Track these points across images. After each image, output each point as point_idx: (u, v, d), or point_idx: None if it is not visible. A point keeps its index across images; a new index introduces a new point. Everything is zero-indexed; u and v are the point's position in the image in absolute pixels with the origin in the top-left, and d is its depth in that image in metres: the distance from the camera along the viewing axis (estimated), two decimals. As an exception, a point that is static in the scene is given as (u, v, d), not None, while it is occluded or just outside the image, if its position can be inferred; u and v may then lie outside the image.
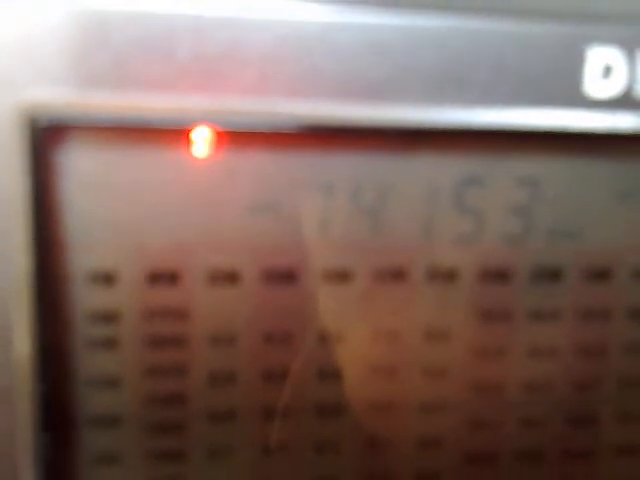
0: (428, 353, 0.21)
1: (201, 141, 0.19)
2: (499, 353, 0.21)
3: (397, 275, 0.20)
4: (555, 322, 0.21)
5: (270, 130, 0.19)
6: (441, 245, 0.20)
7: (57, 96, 0.18)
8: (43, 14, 0.18)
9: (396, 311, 0.20)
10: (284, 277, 0.20)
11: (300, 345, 0.20)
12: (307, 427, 0.21)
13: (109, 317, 0.19)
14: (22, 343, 0.18)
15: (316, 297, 0.20)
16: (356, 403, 0.21)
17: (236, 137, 0.19)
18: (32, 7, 0.18)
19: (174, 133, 0.19)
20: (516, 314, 0.21)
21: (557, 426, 0.22)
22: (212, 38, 0.18)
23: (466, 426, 0.21)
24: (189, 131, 0.19)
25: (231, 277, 0.20)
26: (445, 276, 0.20)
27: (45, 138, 0.18)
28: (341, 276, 0.20)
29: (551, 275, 0.21)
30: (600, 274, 0.21)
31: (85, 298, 0.19)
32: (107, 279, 0.19)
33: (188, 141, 0.19)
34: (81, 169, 0.19)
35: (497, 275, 0.21)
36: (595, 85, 0.19)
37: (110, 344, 0.19)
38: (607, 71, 0.19)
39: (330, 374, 0.20)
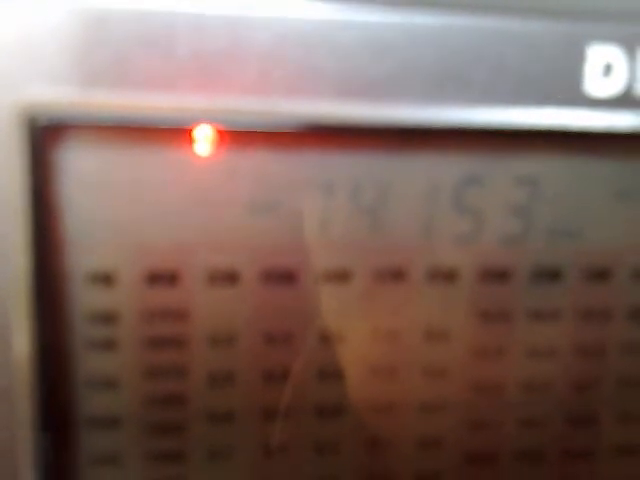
0: (428, 353, 0.21)
1: (201, 140, 0.19)
2: (499, 353, 0.21)
3: (397, 275, 0.20)
4: (555, 322, 0.21)
5: (270, 129, 0.19)
6: (441, 245, 0.20)
7: (57, 95, 0.18)
8: (43, 13, 0.17)
9: (396, 311, 0.20)
10: (284, 277, 0.20)
11: (300, 345, 0.20)
12: (307, 427, 0.21)
13: (108, 317, 0.19)
14: (21, 343, 0.18)
15: (316, 297, 0.20)
16: (356, 403, 0.21)
17: (236, 136, 0.19)
18: (32, 6, 0.17)
19: (174, 132, 0.19)
20: (516, 314, 0.21)
21: (557, 426, 0.22)
22: (213, 36, 0.18)
23: (466, 426, 0.21)
24: (189, 130, 0.19)
25: (231, 277, 0.20)
26: (445, 276, 0.20)
27: (45, 137, 0.18)
28: (341, 276, 0.20)
29: (551, 275, 0.21)
30: (600, 274, 0.21)
31: (84, 298, 0.19)
32: (106, 279, 0.19)
33: (188, 140, 0.19)
34: (81, 168, 0.19)
35: (497, 275, 0.21)
36: (595, 84, 0.19)
37: (109, 344, 0.19)
38: (607, 69, 0.19)
39: (330, 374, 0.20)
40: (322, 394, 0.20)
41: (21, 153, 0.18)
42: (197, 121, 0.18)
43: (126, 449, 0.20)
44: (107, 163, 0.19)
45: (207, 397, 0.20)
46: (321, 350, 0.20)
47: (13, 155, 0.18)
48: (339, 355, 0.20)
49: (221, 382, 0.20)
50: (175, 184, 0.19)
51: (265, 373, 0.20)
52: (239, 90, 0.18)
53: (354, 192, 0.20)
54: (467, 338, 0.21)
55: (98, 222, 0.19)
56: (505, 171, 0.20)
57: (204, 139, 0.19)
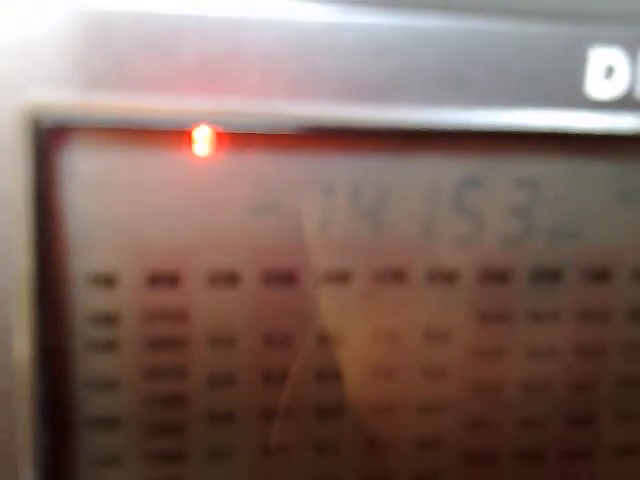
0: (428, 354, 0.21)
1: (202, 142, 0.19)
2: (499, 353, 0.21)
3: (397, 276, 0.20)
4: (555, 322, 0.21)
5: (270, 131, 0.19)
6: (441, 246, 0.20)
7: (60, 98, 0.18)
8: (45, 16, 0.17)
9: (396, 312, 0.20)
10: (284, 278, 0.20)
11: (300, 346, 0.20)
12: (307, 428, 0.21)
13: (109, 319, 0.19)
14: (22, 345, 0.18)
15: (316, 298, 0.20)
16: (356, 404, 0.21)
17: (237, 138, 0.19)
18: (34, 9, 0.17)
19: (176, 134, 0.19)
20: (516, 315, 0.21)
21: (556, 426, 0.22)
22: (214, 39, 0.18)
23: (466, 426, 0.21)
24: (191, 132, 0.19)
25: (231, 278, 0.20)
26: (445, 277, 0.20)
27: (48, 139, 0.18)
28: (341, 277, 0.20)
29: (551, 276, 0.21)
30: (600, 275, 0.21)
31: (85, 299, 0.19)
32: (108, 281, 0.19)
33: (190, 142, 0.19)
34: (83, 170, 0.19)
35: (497, 276, 0.21)
36: (597, 86, 0.19)
37: (110, 345, 0.19)
38: (609, 72, 0.19)
39: (330, 375, 0.21)
40: (322, 394, 0.21)
41: (24, 155, 0.18)
42: (199, 123, 0.18)
43: (126, 449, 0.20)
44: (110, 165, 0.19)
45: (207, 397, 0.20)
46: (321, 350, 0.20)
47: (16, 157, 0.18)
48: (339, 356, 0.20)
49: (221, 382, 0.20)
50: (177, 186, 0.19)
51: (265, 373, 0.20)
52: (240, 92, 0.18)
53: (354, 193, 0.20)
54: (467, 339, 0.21)
55: (100, 223, 0.19)
56: (505, 173, 0.20)
57: (205, 141, 0.19)
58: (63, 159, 0.18)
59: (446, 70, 0.19)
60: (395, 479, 0.21)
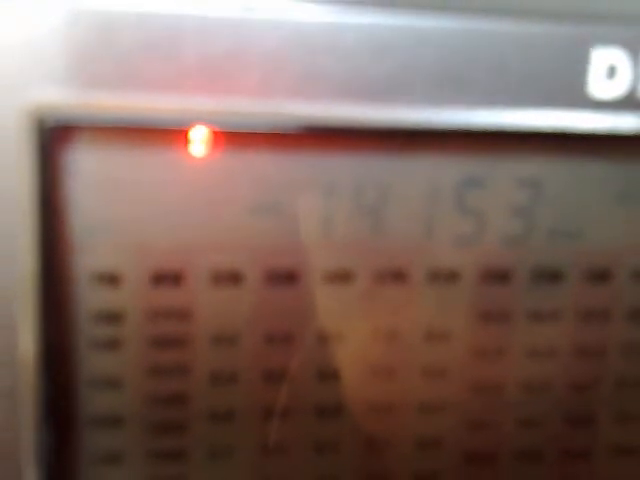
0: (428, 354, 0.21)
1: (205, 142, 0.19)
2: (499, 354, 0.21)
3: (398, 276, 0.20)
4: (555, 323, 0.21)
5: (272, 131, 0.19)
6: (442, 246, 0.20)
7: (64, 97, 0.18)
8: (46, 16, 0.18)
9: (396, 311, 0.21)
10: (285, 277, 0.20)
11: (301, 345, 0.20)
12: (307, 427, 0.21)
13: (112, 317, 0.19)
14: (26, 343, 0.19)
15: (317, 297, 0.20)
16: (356, 403, 0.21)
17: (239, 138, 0.19)
18: (35, 9, 0.18)
19: (180, 134, 0.19)
20: (516, 315, 0.21)
21: (556, 426, 0.22)
22: (215, 39, 0.18)
23: (465, 426, 0.21)
24: (193, 132, 0.19)
25: (233, 277, 0.20)
26: (446, 277, 0.20)
27: (52, 138, 0.18)
28: (342, 276, 0.20)
29: (551, 276, 0.21)
30: (600, 275, 0.21)
31: (89, 298, 0.19)
32: (111, 279, 0.19)
33: (194, 142, 0.19)
34: (88, 169, 0.19)
35: (497, 276, 0.21)
36: (599, 86, 0.19)
37: (113, 344, 0.20)
38: (611, 72, 0.19)
39: (330, 374, 0.21)
40: (323, 394, 0.21)
41: (29, 154, 0.18)
42: (202, 123, 0.19)
43: (129, 448, 0.20)
44: (114, 164, 0.19)
45: (209, 396, 0.20)
46: (322, 350, 0.20)
47: (21, 156, 0.18)
48: (340, 355, 0.21)
49: (223, 381, 0.20)
50: (180, 185, 0.19)
51: (267, 373, 0.20)
52: (241, 92, 0.18)
53: (355, 193, 0.20)
54: (467, 339, 0.21)
55: (104, 222, 0.19)
56: (507, 173, 0.20)
57: (208, 140, 0.19)
58: (67, 158, 0.18)
59: (447, 70, 0.19)
60: (395, 479, 0.22)
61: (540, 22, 0.19)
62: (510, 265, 0.21)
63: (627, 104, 0.20)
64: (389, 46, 0.19)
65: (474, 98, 0.19)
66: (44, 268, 0.18)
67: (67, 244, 0.19)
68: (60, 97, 0.18)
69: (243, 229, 0.20)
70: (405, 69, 0.19)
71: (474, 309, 0.21)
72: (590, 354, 0.21)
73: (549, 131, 0.20)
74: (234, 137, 0.19)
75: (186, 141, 0.19)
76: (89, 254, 0.19)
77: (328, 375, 0.21)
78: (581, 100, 0.19)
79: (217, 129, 0.19)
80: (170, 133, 0.19)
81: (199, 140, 0.19)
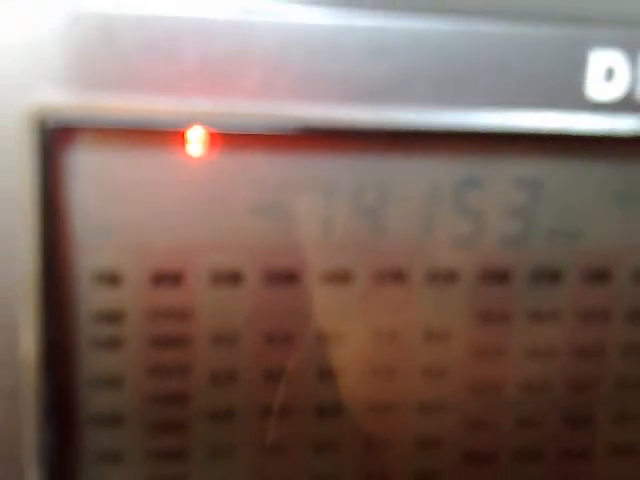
0: (428, 354, 0.21)
1: (206, 143, 0.19)
2: (498, 354, 0.21)
3: (397, 276, 0.20)
4: (554, 323, 0.21)
5: (272, 132, 0.19)
6: (441, 246, 0.20)
7: (66, 98, 0.18)
8: (46, 17, 0.18)
9: (396, 312, 0.21)
10: (285, 277, 0.20)
11: (301, 345, 0.20)
12: (307, 427, 0.21)
13: (113, 317, 0.20)
14: (28, 343, 0.19)
15: (317, 297, 0.20)
16: (356, 403, 0.21)
17: (239, 139, 0.19)
18: (37, 10, 0.18)
19: (181, 135, 0.19)
20: (515, 315, 0.21)
21: (555, 426, 0.22)
22: (215, 41, 0.18)
23: (465, 426, 0.21)
24: (196, 133, 0.19)
25: (233, 277, 0.20)
26: (445, 277, 0.21)
27: (53, 140, 0.18)
28: (341, 276, 0.20)
29: (550, 276, 0.21)
30: (599, 275, 0.21)
31: (90, 298, 0.19)
32: (112, 279, 0.19)
33: (195, 143, 0.19)
34: (88, 170, 0.19)
35: (497, 276, 0.21)
36: (597, 88, 0.19)
37: (114, 343, 0.20)
38: (609, 74, 0.19)
39: (330, 374, 0.21)
40: (322, 394, 0.21)
41: (30, 155, 0.18)
42: (203, 124, 0.19)
43: (130, 447, 0.20)
44: (115, 165, 0.19)
45: (209, 396, 0.20)
46: (321, 350, 0.20)
47: (22, 157, 0.18)
48: (339, 355, 0.21)
49: (223, 381, 0.20)
50: (181, 185, 0.19)
51: (266, 372, 0.20)
52: (242, 93, 0.18)
53: (355, 193, 0.20)
54: (466, 339, 0.21)
55: (104, 222, 0.19)
56: (506, 173, 0.20)
57: (210, 141, 0.19)
58: (69, 159, 0.19)
59: (446, 71, 0.19)
60: (394, 479, 0.22)
61: (539, 24, 0.19)
62: (509, 265, 0.21)
63: (625, 106, 0.20)
64: (388, 47, 0.19)
65: (473, 99, 0.19)
66: (45, 268, 0.19)
67: (68, 244, 0.19)
68: (61, 99, 0.18)
69: (243, 229, 0.20)
70: (405, 70, 0.19)
71: (473, 309, 0.21)
72: (589, 354, 0.22)
73: (548, 132, 0.20)
74: (234, 138, 0.19)
75: (187, 142, 0.19)
76: (90, 254, 0.19)
77: (328, 375, 0.21)
78: (579, 102, 0.20)
79: (217, 130, 0.19)
80: (171, 134, 0.19)
81: (200, 141, 0.19)
